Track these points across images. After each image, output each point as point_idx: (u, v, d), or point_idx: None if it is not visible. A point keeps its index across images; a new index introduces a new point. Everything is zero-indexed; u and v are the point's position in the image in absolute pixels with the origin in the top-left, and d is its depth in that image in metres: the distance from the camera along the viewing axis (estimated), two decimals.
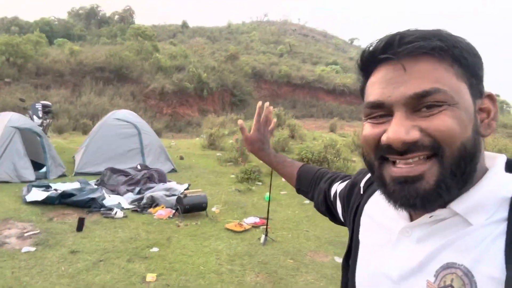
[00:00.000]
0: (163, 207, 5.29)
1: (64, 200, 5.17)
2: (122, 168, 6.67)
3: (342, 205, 0.89)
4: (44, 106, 9.17)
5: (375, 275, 0.66)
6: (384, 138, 0.56)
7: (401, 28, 0.58)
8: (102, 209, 5.14)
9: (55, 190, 5.78)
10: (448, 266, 0.55)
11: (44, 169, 6.76)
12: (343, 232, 5.07)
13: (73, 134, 18.34)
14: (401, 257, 0.61)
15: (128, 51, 35.11)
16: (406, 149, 0.55)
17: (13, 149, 6.38)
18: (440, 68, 0.55)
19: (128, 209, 5.33)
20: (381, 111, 0.58)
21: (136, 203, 5.44)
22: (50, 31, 45.97)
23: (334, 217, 0.98)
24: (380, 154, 0.58)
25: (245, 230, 4.76)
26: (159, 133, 23.21)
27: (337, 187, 0.95)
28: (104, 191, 5.60)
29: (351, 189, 0.85)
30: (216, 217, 5.22)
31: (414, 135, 0.54)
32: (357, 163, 9.47)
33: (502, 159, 0.61)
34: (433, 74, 0.54)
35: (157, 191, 5.65)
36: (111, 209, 5.13)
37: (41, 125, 8.50)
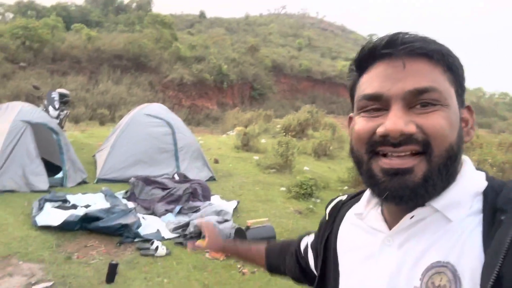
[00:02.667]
0: None
1: (87, 225, 3.89)
2: (157, 178, 5.35)
3: (314, 255, 0.88)
4: (61, 96, 7.91)
5: None
6: (381, 129, 0.57)
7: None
8: (136, 239, 3.84)
9: (74, 206, 4.50)
10: (433, 266, 0.55)
11: (60, 175, 5.50)
12: None
13: (90, 124, 17.21)
14: (385, 267, 0.61)
15: (146, 39, 33.91)
16: (400, 141, 0.56)
17: (23, 150, 5.12)
18: (435, 71, 0.58)
19: (170, 239, 4.02)
20: (377, 105, 0.59)
21: (179, 231, 4.12)
22: (68, 17, 45.06)
23: (305, 276, 0.95)
24: (372, 148, 0.59)
25: None
26: None
27: (308, 240, 0.95)
28: (138, 213, 4.29)
29: (319, 230, 0.84)
30: None
31: (412, 128, 0.56)
32: None
33: (469, 160, 0.63)
34: (430, 74, 0.57)
35: (205, 214, 4.32)
36: (148, 240, 3.83)
37: (57, 117, 7.25)
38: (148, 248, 3.65)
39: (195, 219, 4.16)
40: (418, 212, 0.59)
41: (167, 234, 4.09)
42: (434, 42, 0.59)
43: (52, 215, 3.99)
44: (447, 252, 0.55)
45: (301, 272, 0.96)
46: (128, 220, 3.91)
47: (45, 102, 7.27)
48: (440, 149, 0.56)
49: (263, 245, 1.13)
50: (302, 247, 0.96)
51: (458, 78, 0.60)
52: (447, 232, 0.56)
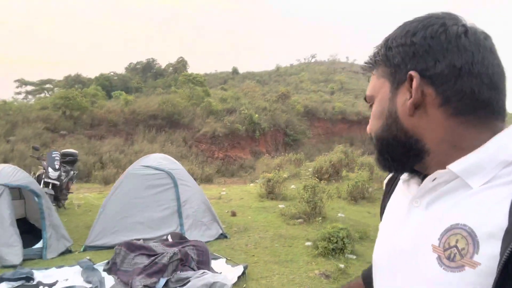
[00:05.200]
0: None
1: None
2: (144, 243, 4.40)
3: None
4: (64, 155, 7.44)
5: (391, 250, 0.68)
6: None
7: None
8: None
9: (36, 286, 3.62)
10: (452, 227, 0.57)
11: (40, 244, 4.71)
12: None
13: None
14: (412, 227, 0.65)
15: (180, 98, 35.10)
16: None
17: None
18: (373, 76, 0.72)
19: None
20: None
21: None
22: (110, 86, 48.33)
23: None
24: None
25: None
26: (210, 179, 21.31)
27: None
28: None
29: (380, 213, 0.89)
30: None
31: (368, 128, 0.74)
32: None
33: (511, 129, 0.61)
34: (371, 83, 0.73)
35: None
36: None
37: (57, 179, 6.68)
38: None
39: None
40: (438, 174, 0.62)
41: None
42: (375, 50, 0.72)
43: None
44: (466, 216, 0.56)
45: None
46: None
47: (44, 163, 6.77)
48: (374, 140, 0.72)
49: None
50: None
51: (390, 63, 0.68)
52: (469, 197, 0.58)
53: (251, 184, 12.95)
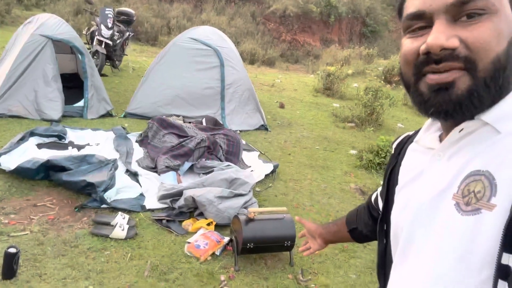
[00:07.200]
0: (210, 224, 2.70)
1: (53, 173, 2.97)
2: (176, 121, 4.19)
3: (384, 201, 0.83)
4: (119, 14, 7.09)
5: (409, 205, 0.65)
6: (423, 47, 0.55)
7: None
8: (103, 206, 2.80)
9: (67, 145, 3.66)
10: (472, 174, 0.55)
11: (81, 103, 4.74)
12: None
13: None
14: (432, 179, 0.61)
15: None
16: (442, 58, 0.54)
17: (39, 69, 4.40)
18: None
19: (152, 210, 2.90)
20: (421, 23, 0.57)
21: (168, 201, 2.95)
22: None
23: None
24: (418, 70, 0.57)
25: None
26: (272, 62, 20.46)
27: (378, 191, 0.96)
28: (118, 170, 3.20)
29: (385, 173, 0.82)
30: (312, 270, 2.43)
31: (454, 42, 0.53)
32: None
33: None
34: None
35: (208, 183, 3.03)
36: (119, 210, 2.76)
37: (111, 38, 6.48)
38: (108, 224, 2.57)
39: (189, 190, 2.91)
40: (467, 125, 0.57)
41: (152, 203, 2.96)
42: None
43: (23, 156, 3.17)
44: (489, 161, 0.54)
45: (375, 224, 0.92)
46: (98, 177, 2.86)
47: (98, 19, 6.51)
48: (484, 63, 0.53)
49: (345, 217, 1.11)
50: (373, 198, 0.97)
51: None
52: (494, 143, 0.55)
53: (311, 76, 12.11)
